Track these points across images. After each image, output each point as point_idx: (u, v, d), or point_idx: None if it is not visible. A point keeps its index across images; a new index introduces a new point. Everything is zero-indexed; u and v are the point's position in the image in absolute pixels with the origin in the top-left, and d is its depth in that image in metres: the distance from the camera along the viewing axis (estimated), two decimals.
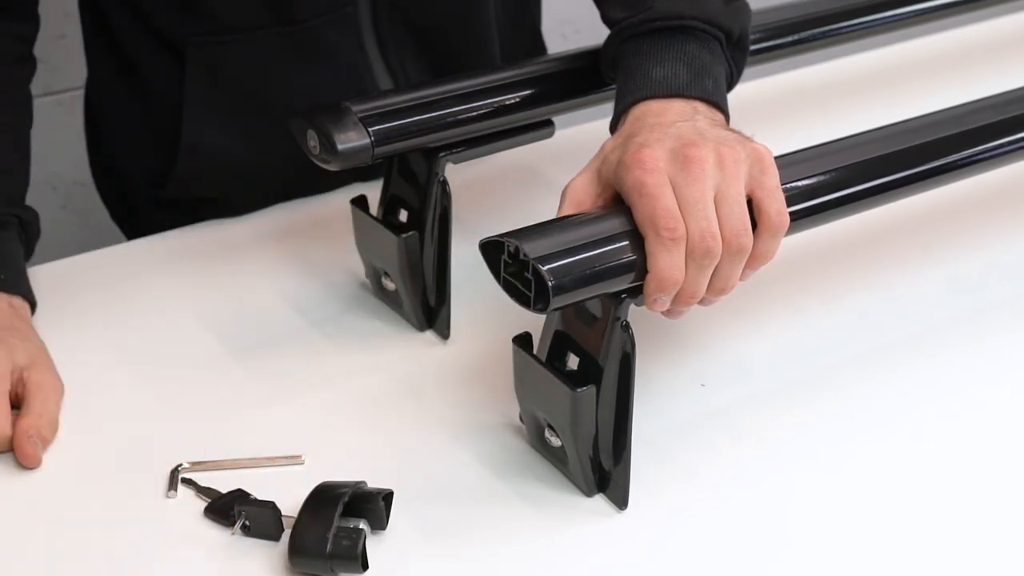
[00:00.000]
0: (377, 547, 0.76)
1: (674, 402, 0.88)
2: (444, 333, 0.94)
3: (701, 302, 0.79)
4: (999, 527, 0.79)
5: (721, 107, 0.84)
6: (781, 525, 0.79)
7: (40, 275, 1.01)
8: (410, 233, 0.91)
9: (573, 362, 0.79)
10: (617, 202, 0.78)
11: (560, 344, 0.79)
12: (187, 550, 0.76)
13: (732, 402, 0.88)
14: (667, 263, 0.74)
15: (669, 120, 0.80)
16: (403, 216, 0.94)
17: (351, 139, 0.88)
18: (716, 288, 0.78)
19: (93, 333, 0.95)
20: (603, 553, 0.77)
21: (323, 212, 1.10)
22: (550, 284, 0.71)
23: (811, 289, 1.00)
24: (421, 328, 0.95)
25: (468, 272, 0.96)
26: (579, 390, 0.76)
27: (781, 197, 0.78)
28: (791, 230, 0.79)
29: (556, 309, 0.74)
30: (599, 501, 0.80)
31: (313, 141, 0.88)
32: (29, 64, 1.04)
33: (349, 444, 0.85)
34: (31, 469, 0.82)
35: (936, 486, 0.82)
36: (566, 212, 0.79)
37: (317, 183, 1.12)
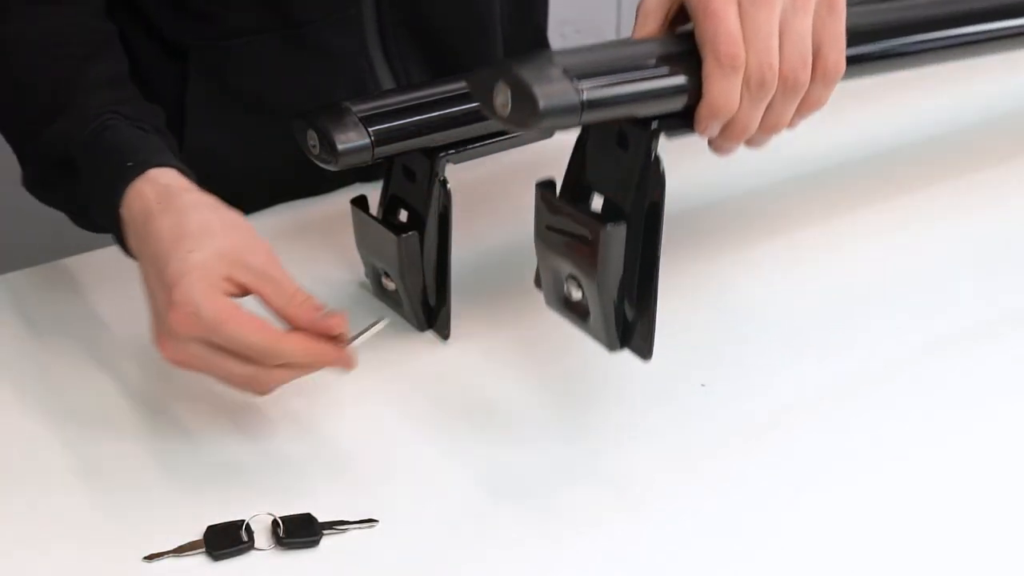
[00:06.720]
0: (375, 545, 0.77)
1: (674, 402, 0.88)
2: (444, 333, 0.94)
3: (750, 142, 0.77)
4: (1002, 527, 0.79)
5: None
6: (783, 526, 0.79)
7: (40, 275, 1.01)
8: (410, 233, 0.91)
9: (597, 204, 0.77)
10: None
11: (580, 187, 0.77)
12: (189, 554, 0.77)
13: (732, 402, 0.88)
14: (722, 89, 0.73)
15: None
16: (403, 216, 0.94)
17: (351, 139, 0.88)
18: (768, 125, 0.76)
19: (93, 333, 0.95)
20: (603, 554, 0.77)
21: (323, 212, 1.10)
22: (583, 99, 0.68)
23: (812, 289, 1.00)
24: (421, 328, 0.95)
25: (468, 272, 0.96)
26: (609, 226, 0.73)
27: (842, 47, 0.76)
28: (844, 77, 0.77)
29: (586, 123, 0.71)
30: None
31: (313, 141, 0.89)
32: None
33: (349, 444, 0.85)
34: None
35: (938, 487, 0.82)
36: (637, 26, 0.77)
37: (318, 184, 1.12)
